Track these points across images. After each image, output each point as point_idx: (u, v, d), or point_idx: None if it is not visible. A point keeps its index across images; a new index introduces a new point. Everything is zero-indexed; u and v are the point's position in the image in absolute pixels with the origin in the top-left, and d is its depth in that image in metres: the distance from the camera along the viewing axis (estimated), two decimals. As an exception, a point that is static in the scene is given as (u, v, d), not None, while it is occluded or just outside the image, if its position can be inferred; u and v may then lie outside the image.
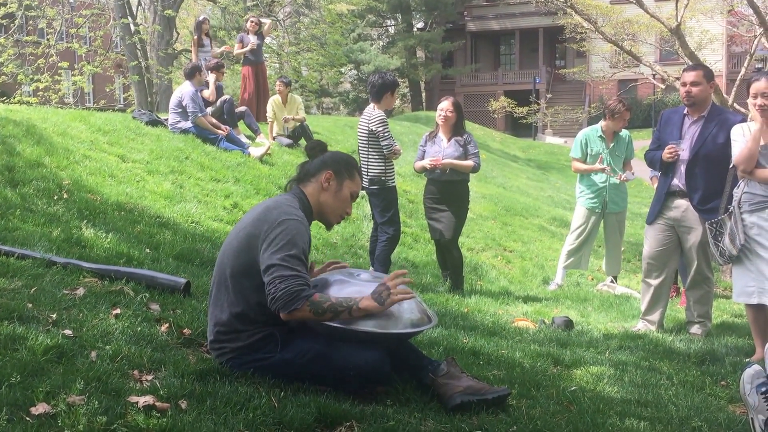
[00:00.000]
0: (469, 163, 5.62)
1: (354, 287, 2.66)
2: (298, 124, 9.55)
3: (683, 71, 4.53)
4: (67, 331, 2.71)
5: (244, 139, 8.76)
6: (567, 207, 12.23)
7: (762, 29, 8.22)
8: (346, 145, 11.25)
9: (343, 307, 2.53)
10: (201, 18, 10.87)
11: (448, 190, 5.69)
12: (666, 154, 4.42)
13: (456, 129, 5.68)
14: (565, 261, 6.56)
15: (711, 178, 4.32)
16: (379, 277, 2.76)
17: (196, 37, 10.29)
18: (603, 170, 6.21)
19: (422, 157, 5.78)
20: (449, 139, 5.67)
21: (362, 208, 8.03)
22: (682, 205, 4.50)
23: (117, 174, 6.04)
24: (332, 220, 2.84)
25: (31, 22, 17.16)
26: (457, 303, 5.17)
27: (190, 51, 10.39)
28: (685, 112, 4.51)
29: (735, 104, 8.03)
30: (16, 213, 4.23)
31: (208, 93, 9.06)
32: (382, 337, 2.61)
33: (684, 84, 4.40)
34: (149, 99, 17.23)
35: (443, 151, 5.63)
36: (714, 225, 4.09)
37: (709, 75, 4.41)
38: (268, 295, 2.51)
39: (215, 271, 2.78)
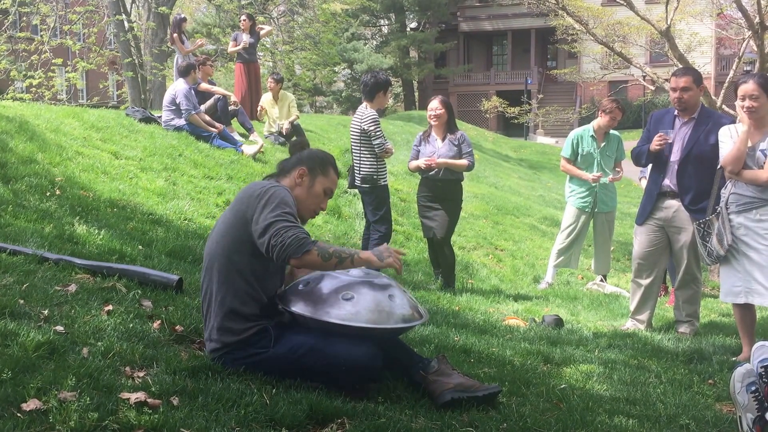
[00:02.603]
0: (464, 162, 5.65)
1: (348, 283, 2.68)
2: (288, 125, 9.56)
3: (672, 76, 4.53)
4: (59, 328, 2.71)
5: (237, 137, 8.77)
6: (558, 206, 12.29)
7: (750, 32, 8.29)
8: (339, 143, 11.26)
9: (346, 254, 2.62)
10: (182, 15, 10.92)
11: (442, 189, 5.72)
12: (655, 142, 4.41)
13: (449, 127, 5.72)
14: (555, 260, 6.60)
15: (702, 178, 4.34)
16: (369, 274, 2.78)
17: (176, 34, 10.30)
18: (591, 179, 6.25)
19: (416, 157, 5.80)
20: (443, 139, 5.70)
21: (354, 206, 8.05)
22: (672, 205, 4.53)
23: (110, 171, 6.02)
24: (305, 215, 2.87)
25: (24, 18, 17.05)
26: (448, 301, 5.19)
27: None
28: (675, 113, 4.54)
29: (723, 106, 8.09)
30: (8, 209, 4.22)
31: (206, 85, 9.09)
32: (374, 332, 2.63)
33: (674, 89, 4.42)
34: (143, 96, 17.14)
35: (438, 150, 5.66)
36: (702, 225, 4.13)
37: (698, 79, 4.43)
38: (274, 247, 2.55)
39: (204, 266, 2.81)
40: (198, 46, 11.38)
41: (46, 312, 2.85)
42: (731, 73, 9.02)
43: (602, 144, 6.36)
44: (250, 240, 2.63)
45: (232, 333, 2.67)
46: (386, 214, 5.63)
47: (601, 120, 6.33)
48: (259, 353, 2.66)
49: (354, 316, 2.58)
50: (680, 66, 7.80)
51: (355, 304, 2.60)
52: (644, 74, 10.10)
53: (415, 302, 2.83)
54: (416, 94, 35.64)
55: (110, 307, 3.06)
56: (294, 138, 9.03)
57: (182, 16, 10.96)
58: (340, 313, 2.59)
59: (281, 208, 2.60)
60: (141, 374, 2.50)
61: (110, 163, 6.28)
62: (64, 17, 16.45)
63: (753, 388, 2.69)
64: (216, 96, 9.11)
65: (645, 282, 4.73)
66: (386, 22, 35.44)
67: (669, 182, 4.52)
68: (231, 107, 9.21)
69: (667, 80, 6.00)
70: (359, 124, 5.54)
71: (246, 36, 10.43)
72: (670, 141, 4.43)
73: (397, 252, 2.70)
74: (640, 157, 4.65)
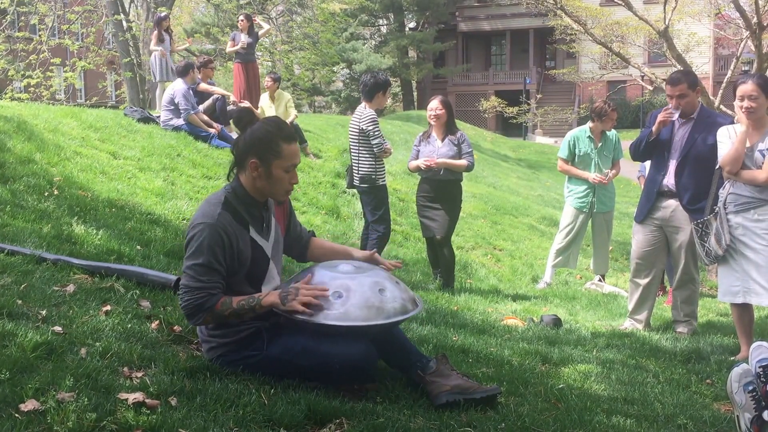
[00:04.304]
0: (463, 162, 5.65)
1: (337, 281, 2.67)
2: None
3: (667, 82, 4.49)
4: (57, 328, 2.71)
5: (235, 137, 8.75)
6: (556, 206, 12.29)
7: (748, 32, 8.30)
8: (338, 143, 11.26)
9: (245, 309, 2.58)
10: (163, 14, 10.99)
11: (442, 189, 5.71)
12: (661, 117, 4.36)
13: (448, 127, 5.71)
14: (553, 260, 6.60)
15: (700, 178, 4.34)
16: (360, 268, 2.77)
17: (156, 31, 10.39)
18: (592, 180, 6.26)
19: (416, 157, 5.80)
20: (443, 139, 5.69)
21: (353, 206, 8.05)
22: (671, 205, 4.53)
23: (108, 171, 6.02)
24: (278, 198, 2.82)
25: (23, 17, 17.05)
26: (447, 301, 5.19)
27: (184, 49, 10.44)
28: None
29: (722, 106, 8.10)
30: (6, 209, 4.22)
31: (205, 85, 9.08)
32: (363, 329, 2.61)
33: (671, 97, 4.41)
34: (141, 96, 17.14)
35: (437, 150, 5.66)
36: (700, 225, 4.13)
37: (693, 83, 4.40)
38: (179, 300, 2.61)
39: None
40: (183, 47, 11.44)
41: (44, 312, 2.85)
42: (729, 73, 9.03)
43: (599, 144, 6.37)
44: None
45: (227, 335, 2.68)
46: (385, 213, 5.63)
47: (597, 123, 6.33)
48: (253, 355, 2.66)
49: (343, 315, 2.57)
50: (678, 67, 7.82)
51: (344, 302, 2.59)
52: (642, 74, 10.11)
53: (409, 293, 2.80)
54: (415, 93, 35.67)
55: (108, 308, 3.05)
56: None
57: (163, 14, 11.02)
58: (329, 313, 2.57)
59: (193, 259, 2.55)
60: (139, 375, 2.50)
61: (108, 163, 6.28)
62: (62, 17, 16.45)
63: (750, 388, 2.69)
64: (215, 96, 9.11)
65: (643, 282, 4.73)
66: (385, 21, 35.45)
67: (667, 182, 4.53)
68: (230, 107, 9.21)
69: (665, 80, 6.01)
70: (358, 124, 5.54)
71: (244, 36, 10.43)
72: (674, 118, 4.41)
73: (312, 292, 2.58)
74: (639, 144, 4.58)
